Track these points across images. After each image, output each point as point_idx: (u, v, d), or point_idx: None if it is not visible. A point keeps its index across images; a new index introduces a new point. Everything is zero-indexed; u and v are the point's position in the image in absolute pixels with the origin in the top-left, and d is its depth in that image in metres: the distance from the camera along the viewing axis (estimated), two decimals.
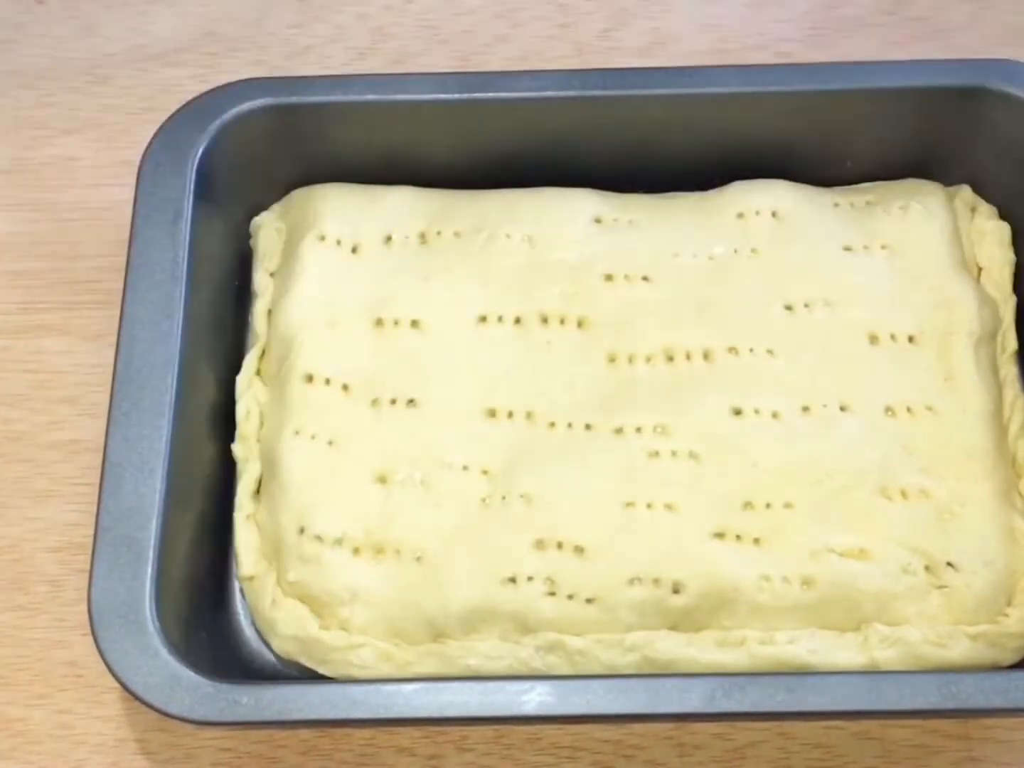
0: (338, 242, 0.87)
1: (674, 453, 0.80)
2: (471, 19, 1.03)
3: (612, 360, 0.83)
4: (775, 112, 0.87)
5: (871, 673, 0.75)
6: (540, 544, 0.78)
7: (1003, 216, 0.89)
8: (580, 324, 0.84)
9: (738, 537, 0.78)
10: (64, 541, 0.87)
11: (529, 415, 0.82)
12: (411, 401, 0.82)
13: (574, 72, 0.88)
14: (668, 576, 0.77)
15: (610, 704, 0.72)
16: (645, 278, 0.86)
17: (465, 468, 0.80)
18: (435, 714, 0.72)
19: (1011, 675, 0.73)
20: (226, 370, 0.86)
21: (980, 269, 0.87)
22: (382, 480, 0.80)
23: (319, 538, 0.79)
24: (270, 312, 0.87)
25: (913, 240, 0.86)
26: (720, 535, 0.78)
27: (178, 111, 0.87)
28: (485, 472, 0.80)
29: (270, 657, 0.81)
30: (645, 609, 0.77)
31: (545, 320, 0.84)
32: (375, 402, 0.82)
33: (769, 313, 0.84)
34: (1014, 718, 0.81)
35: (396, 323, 0.84)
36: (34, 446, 0.90)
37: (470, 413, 0.82)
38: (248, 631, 0.82)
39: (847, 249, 0.86)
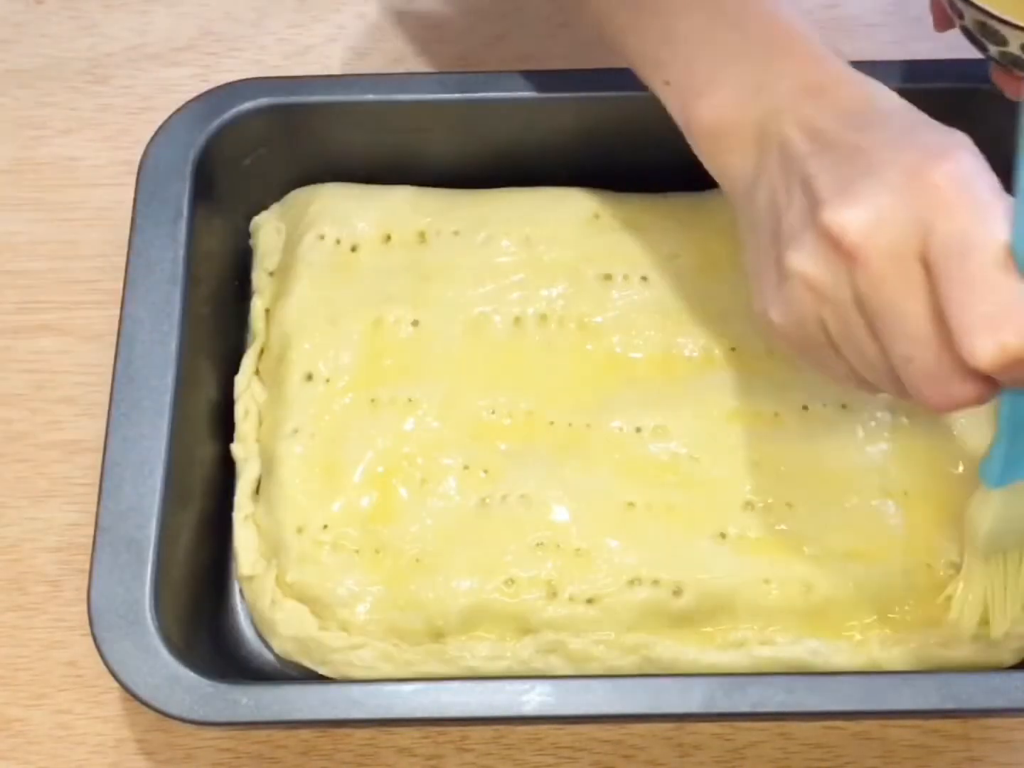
0: (337, 241, 0.87)
1: (674, 454, 0.80)
2: (471, 19, 1.03)
3: (612, 360, 0.83)
4: None
5: (871, 673, 0.75)
6: (540, 545, 0.78)
7: None
8: (579, 324, 0.84)
9: (739, 538, 0.78)
10: (64, 541, 0.87)
11: (529, 415, 0.82)
12: (410, 400, 0.82)
13: (574, 72, 0.88)
14: (668, 577, 0.77)
15: (610, 704, 0.72)
16: (644, 278, 0.86)
17: (465, 468, 0.80)
18: (435, 714, 0.72)
19: (1011, 675, 0.73)
20: (226, 370, 0.86)
21: None
22: (382, 480, 0.80)
23: (318, 538, 0.79)
24: (269, 311, 0.87)
25: None
26: (721, 536, 0.78)
27: (178, 111, 0.87)
28: (485, 472, 0.80)
29: (270, 657, 0.81)
30: (645, 610, 0.77)
31: (544, 320, 0.84)
32: (374, 401, 0.82)
33: None
34: (1014, 718, 0.81)
35: (395, 322, 0.84)
36: (34, 446, 0.90)
37: (470, 413, 0.82)
38: (248, 631, 0.82)
39: None
